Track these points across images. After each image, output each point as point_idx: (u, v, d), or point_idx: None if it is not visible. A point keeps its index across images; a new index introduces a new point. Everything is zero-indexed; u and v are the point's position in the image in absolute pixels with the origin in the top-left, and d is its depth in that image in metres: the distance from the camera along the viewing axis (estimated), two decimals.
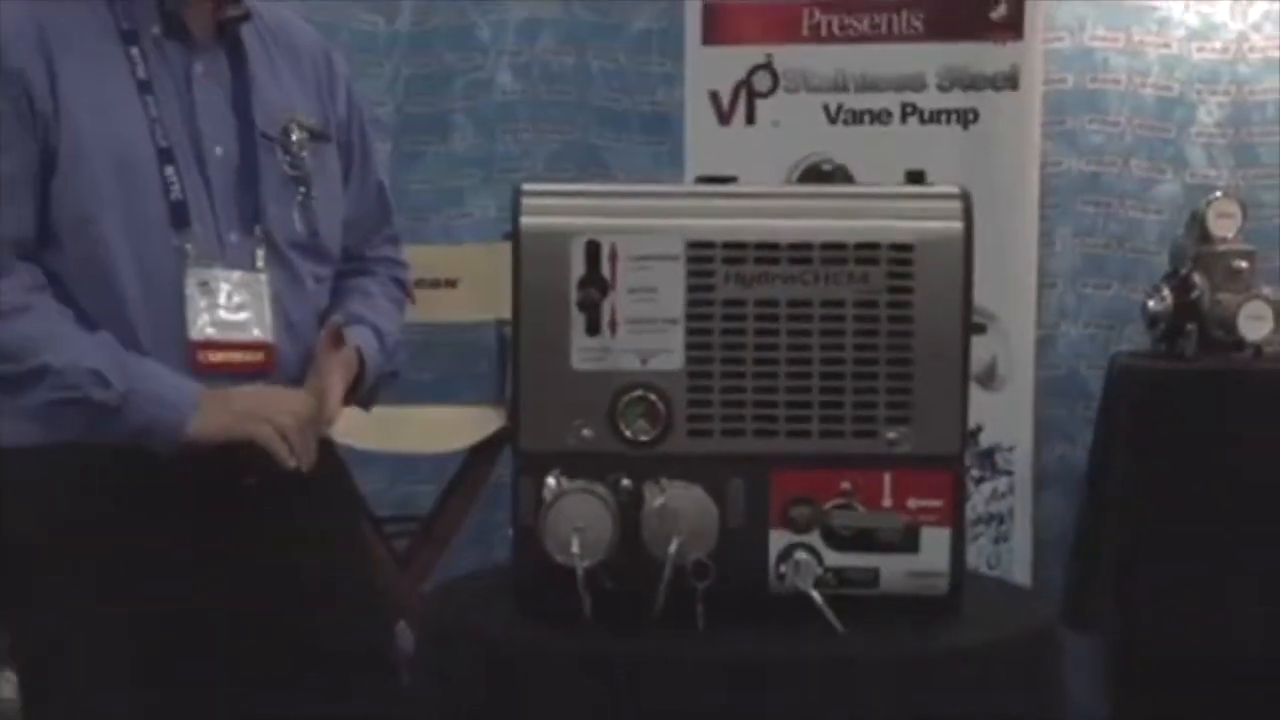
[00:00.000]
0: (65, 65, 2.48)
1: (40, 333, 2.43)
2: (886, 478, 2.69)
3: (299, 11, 5.41)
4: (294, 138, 2.66)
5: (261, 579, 2.58)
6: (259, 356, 2.58)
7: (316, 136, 2.69)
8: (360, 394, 2.76)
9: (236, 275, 2.56)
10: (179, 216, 2.53)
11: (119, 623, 2.48)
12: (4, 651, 2.64)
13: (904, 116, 4.89)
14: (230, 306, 2.54)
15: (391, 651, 2.86)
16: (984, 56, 4.85)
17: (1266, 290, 4.63)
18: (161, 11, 2.57)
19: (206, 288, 2.53)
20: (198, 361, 2.53)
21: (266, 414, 2.49)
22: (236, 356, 2.56)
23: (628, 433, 2.69)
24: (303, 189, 2.67)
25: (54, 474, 2.50)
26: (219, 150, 2.58)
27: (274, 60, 2.69)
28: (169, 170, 2.52)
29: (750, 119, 4.96)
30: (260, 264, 2.59)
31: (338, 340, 2.66)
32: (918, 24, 4.87)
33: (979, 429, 4.69)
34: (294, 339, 2.63)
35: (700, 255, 2.67)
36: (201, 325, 2.53)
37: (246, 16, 2.65)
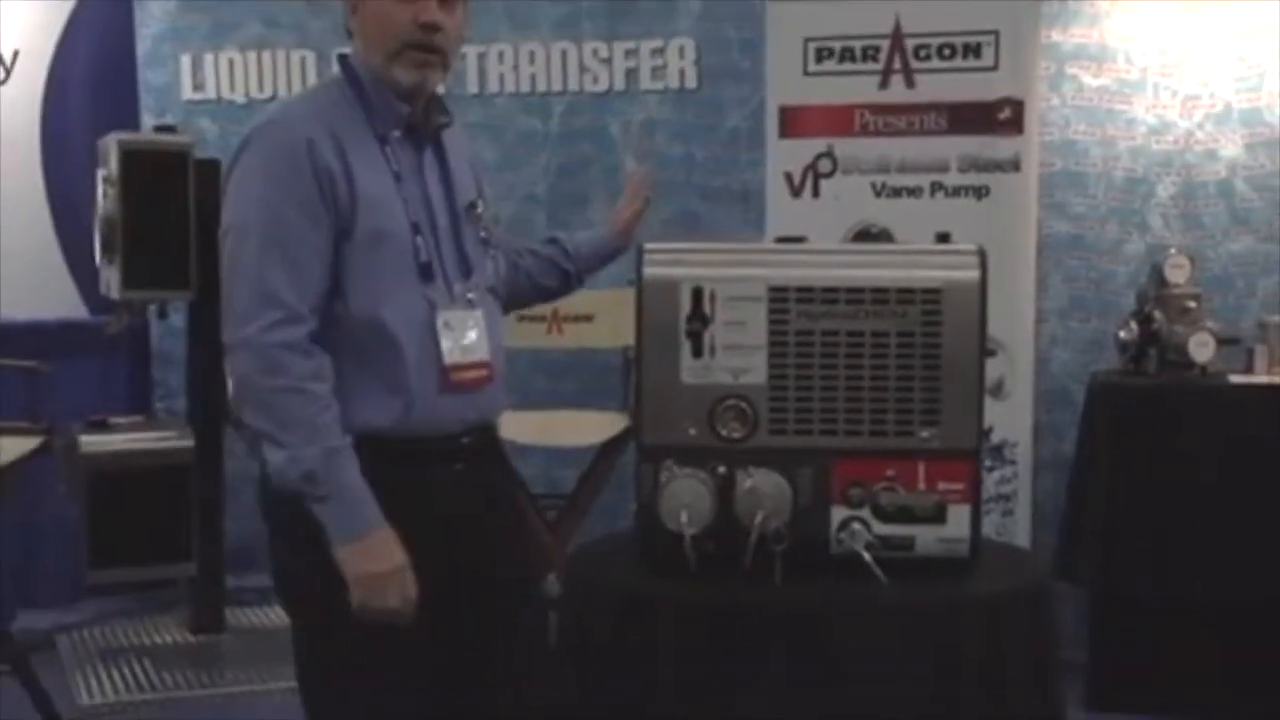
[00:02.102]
0: (353, 162, 2.47)
1: (302, 420, 2.39)
2: (921, 466, 2.66)
3: (481, 115, 5.53)
4: (478, 210, 2.66)
5: (465, 532, 2.55)
6: (484, 372, 2.57)
7: (482, 208, 2.69)
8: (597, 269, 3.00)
9: (462, 314, 2.55)
10: (426, 273, 2.52)
11: None
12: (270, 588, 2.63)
13: (933, 192, 4.84)
14: (463, 337, 2.54)
15: (543, 596, 2.84)
16: (993, 147, 4.80)
17: (1210, 324, 4.58)
18: (404, 122, 2.57)
19: (448, 325, 2.53)
20: (450, 381, 2.51)
21: (388, 591, 2.41)
22: (471, 374, 2.54)
23: (723, 432, 2.67)
24: (491, 247, 2.67)
25: None
26: (442, 221, 2.58)
27: (457, 153, 2.69)
28: (418, 239, 2.52)
29: (816, 193, 4.92)
30: (475, 303, 2.58)
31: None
32: (943, 122, 4.83)
33: (991, 429, 4.63)
34: (498, 354, 2.63)
35: (778, 297, 2.66)
36: (450, 353, 2.52)
37: (451, 122, 2.66)
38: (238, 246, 2.45)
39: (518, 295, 2.90)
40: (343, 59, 2.64)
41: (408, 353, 2.48)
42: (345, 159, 2.46)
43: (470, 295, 2.58)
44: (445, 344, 2.52)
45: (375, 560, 2.40)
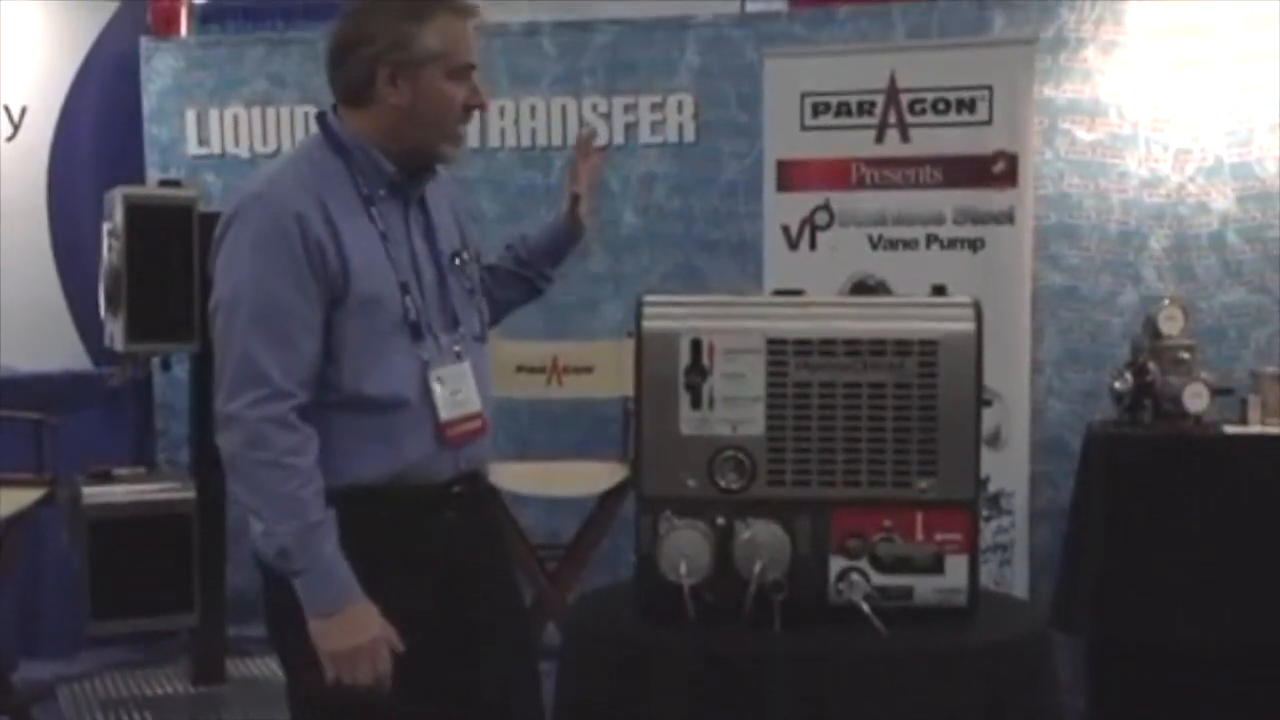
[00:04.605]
0: (342, 229, 2.45)
1: (280, 495, 2.38)
2: (919, 516, 2.66)
3: (482, 169, 5.55)
4: (464, 258, 2.65)
5: (457, 578, 2.54)
6: (478, 424, 2.57)
7: (468, 256, 2.68)
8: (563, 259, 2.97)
9: (451, 367, 2.54)
10: (416, 332, 2.50)
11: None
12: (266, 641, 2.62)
13: (928, 244, 4.86)
14: (456, 391, 2.53)
15: (533, 638, 2.82)
16: (988, 199, 4.82)
17: (1204, 374, 4.58)
18: (390, 181, 2.55)
19: (441, 382, 2.52)
20: (446, 437, 2.51)
21: (360, 666, 2.39)
22: (466, 427, 2.54)
23: (722, 482, 2.66)
24: (476, 297, 2.66)
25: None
26: (428, 276, 2.57)
27: (438, 202, 2.66)
28: (407, 300, 2.50)
29: (813, 246, 4.94)
30: (461, 355, 2.57)
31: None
32: (938, 175, 4.85)
33: (988, 479, 4.62)
34: (489, 403, 2.61)
35: (777, 349, 2.65)
36: (445, 410, 2.51)
37: (434, 176, 2.64)
38: (227, 322, 2.43)
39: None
40: (321, 120, 2.59)
41: (402, 413, 2.47)
42: (334, 227, 2.44)
43: (457, 348, 2.56)
44: (440, 401, 2.50)
45: (348, 635, 2.39)
